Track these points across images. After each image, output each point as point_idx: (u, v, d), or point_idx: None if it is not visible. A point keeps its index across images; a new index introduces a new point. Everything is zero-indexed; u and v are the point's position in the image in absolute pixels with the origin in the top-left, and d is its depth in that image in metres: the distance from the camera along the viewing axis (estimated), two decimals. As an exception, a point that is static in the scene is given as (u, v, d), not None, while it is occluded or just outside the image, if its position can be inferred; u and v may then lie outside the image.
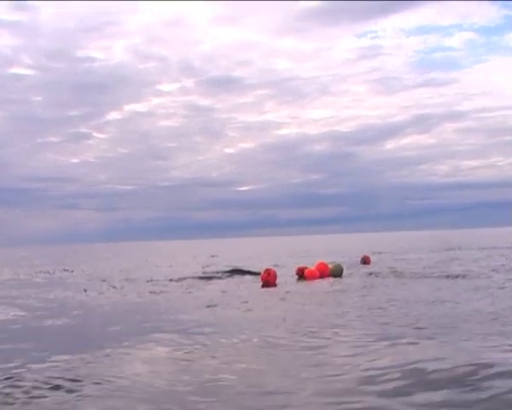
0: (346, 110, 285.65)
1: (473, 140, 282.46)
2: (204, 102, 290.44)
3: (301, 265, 17.57)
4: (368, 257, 22.61)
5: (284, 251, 42.48)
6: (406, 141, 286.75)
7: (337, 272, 16.68)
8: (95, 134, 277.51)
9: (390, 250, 33.46)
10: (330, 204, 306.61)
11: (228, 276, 18.37)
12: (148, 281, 17.35)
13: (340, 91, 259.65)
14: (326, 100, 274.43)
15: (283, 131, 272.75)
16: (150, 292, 14.10)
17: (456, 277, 14.66)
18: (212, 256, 35.96)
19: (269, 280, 14.78)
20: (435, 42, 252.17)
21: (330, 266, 17.21)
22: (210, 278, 17.91)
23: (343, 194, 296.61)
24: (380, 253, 29.83)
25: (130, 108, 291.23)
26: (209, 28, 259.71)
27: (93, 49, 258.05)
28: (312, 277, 16.24)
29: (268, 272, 15.12)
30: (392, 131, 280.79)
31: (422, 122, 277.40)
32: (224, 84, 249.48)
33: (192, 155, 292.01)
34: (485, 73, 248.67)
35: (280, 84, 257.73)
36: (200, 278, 18.00)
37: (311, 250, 41.17)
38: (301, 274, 16.59)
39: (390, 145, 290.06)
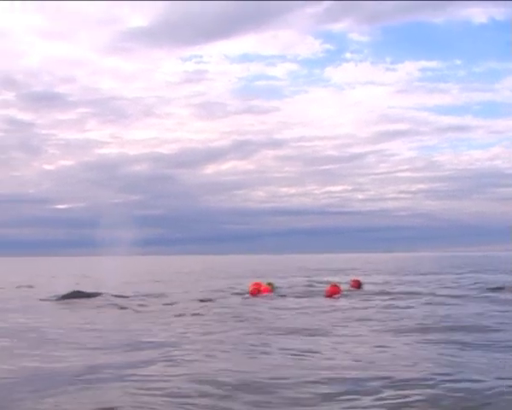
0: (168, 133, 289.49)
1: (291, 168, 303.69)
2: (24, 116, 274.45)
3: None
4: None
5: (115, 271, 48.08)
6: (226, 166, 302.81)
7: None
8: None
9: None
10: (149, 225, 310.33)
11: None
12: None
13: (164, 114, 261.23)
14: (149, 121, 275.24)
15: (104, 151, 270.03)
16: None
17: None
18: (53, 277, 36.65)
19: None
20: (258, 70, 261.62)
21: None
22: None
23: (161, 216, 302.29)
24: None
25: None
26: (34, 42, 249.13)
27: None
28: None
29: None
30: (213, 155, 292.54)
31: (243, 148, 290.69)
32: (46, 99, 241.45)
33: (8, 171, 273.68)
34: (305, 104, 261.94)
35: (103, 103, 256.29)
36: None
37: (148, 271, 48.56)
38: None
39: (210, 170, 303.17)
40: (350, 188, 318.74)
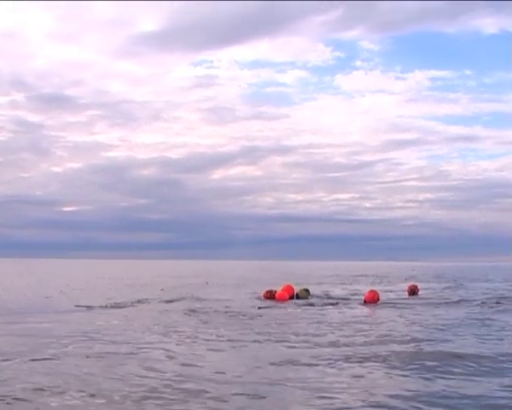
0: (176, 137, 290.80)
1: (299, 174, 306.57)
2: (33, 118, 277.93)
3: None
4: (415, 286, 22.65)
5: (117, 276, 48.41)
6: (234, 171, 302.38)
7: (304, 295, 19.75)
8: None
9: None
10: (156, 230, 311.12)
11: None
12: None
13: (173, 118, 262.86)
14: (157, 125, 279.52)
15: (112, 154, 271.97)
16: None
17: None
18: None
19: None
20: (268, 76, 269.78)
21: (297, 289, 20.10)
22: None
23: (169, 220, 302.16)
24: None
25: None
26: (44, 44, 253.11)
27: None
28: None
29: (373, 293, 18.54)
30: (221, 160, 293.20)
31: (251, 154, 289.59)
32: (56, 101, 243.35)
33: (17, 172, 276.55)
34: (314, 111, 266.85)
35: (112, 107, 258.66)
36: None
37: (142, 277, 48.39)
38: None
39: (217, 175, 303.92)
40: (357, 196, 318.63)
